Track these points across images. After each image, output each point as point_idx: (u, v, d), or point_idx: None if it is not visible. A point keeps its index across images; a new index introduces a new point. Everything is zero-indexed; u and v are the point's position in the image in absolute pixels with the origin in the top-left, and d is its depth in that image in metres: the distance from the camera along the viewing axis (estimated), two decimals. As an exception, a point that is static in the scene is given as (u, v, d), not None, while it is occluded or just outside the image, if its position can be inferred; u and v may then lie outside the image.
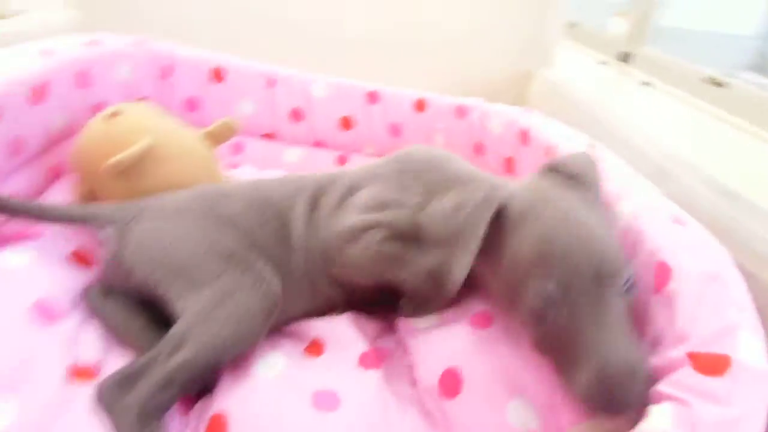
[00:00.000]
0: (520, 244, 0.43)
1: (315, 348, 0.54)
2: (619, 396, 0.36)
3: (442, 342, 0.52)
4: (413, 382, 0.51)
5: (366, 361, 0.51)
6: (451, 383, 0.48)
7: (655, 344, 0.41)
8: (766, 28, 2.08)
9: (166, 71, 0.85)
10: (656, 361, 0.39)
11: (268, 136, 0.96)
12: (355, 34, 1.01)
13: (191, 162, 0.66)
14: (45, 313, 0.47)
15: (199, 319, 0.48)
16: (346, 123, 0.94)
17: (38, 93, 0.61)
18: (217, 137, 0.70)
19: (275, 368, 0.50)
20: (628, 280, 0.41)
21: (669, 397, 0.36)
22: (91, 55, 0.71)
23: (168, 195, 0.58)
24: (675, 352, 0.37)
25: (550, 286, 0.40)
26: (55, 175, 0.69)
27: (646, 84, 0.99)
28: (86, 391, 0.43)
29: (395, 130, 0.94)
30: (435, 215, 0.50)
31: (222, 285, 0.50)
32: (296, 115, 0.94)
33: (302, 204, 0.58)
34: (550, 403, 0.43)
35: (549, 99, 0.90)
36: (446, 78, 0.98)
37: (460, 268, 0.44)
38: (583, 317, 0.39)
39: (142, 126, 0.63)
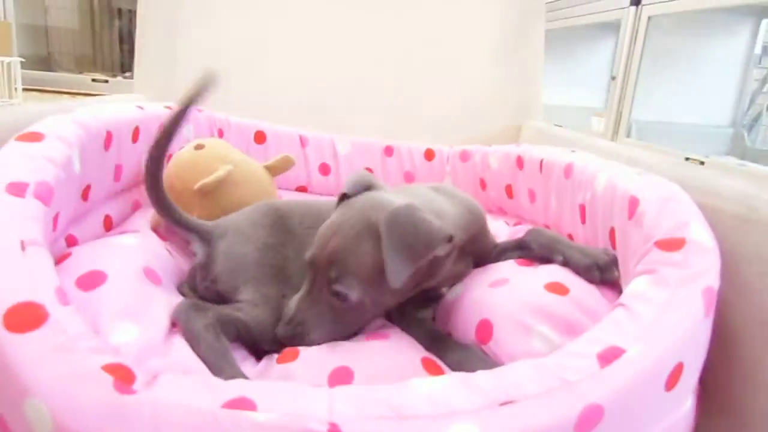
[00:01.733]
0: None
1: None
2: None
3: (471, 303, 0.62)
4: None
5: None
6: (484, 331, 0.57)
7: (633, 256, 0.53)
8: (737, 116, 2.32)
9: (220, 133, 1.03)
10: (632, 264, 0.51)
11: (301, 188, 1.12)
12: (375, 105, 1.23)
13: (258, 187, 0.82)
14: (152, 276, 0.59)
15: (252, 305, 0.60)
16: (368, 173, 1.11)
17: (135, 133, 0.78)
18: (276, 168, 0.87)
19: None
20: None
21: (642, 272, 0.47)
22: (166, 114, 0.89)
23: (239, 214, 0.71)
24: (645, 247, 0.50)
25: None
26: (135, 207, 0.84)
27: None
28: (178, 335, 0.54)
29: (409, 177, 1.11)
30: None
31: (272, 293, 0.62)
32: (324, 168, 1.11)
33: None
34: (566, 322, 0.53)
35: (536, 141, 1.07)
36: (452, 136, 1.18)
37: None
38: None
39: (221, 156, 0.80)
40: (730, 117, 2.37)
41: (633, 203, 0.56)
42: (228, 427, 0.36)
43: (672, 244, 0.48)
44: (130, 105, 0.81)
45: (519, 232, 0.84)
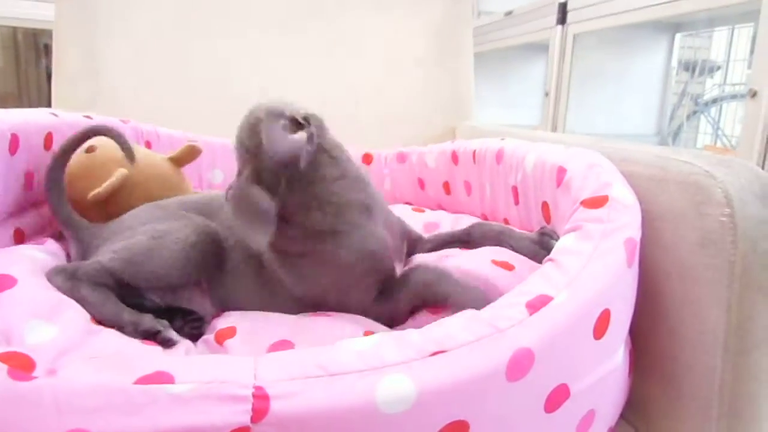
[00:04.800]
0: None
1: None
2: None
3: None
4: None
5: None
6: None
7: (563, 221, 0.54)
8: (661, 126, 2.47)
9: (148, 145, 0.99)
10: (562, 227, 0.52)
11: (238, 199, 1.09)
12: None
13: (162, 182, 0.77)
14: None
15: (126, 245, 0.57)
16: (306, 180, 1.09)
17: (48, 139, 0.74)
18: (181, 159, 0.82)
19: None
20: None
21: (569, 230, 0.48)
22: (86, 123, 0.85)
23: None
24: (572, 207, 0.51)
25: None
26: (52, 221, 0.78)
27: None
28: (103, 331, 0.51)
29: (349, 181, 1.10)
30: None
31: (154, 228, 0.58)
32: (262, 177, 1.09)
33: None
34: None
35: (470, 138, 1.09)
36: (390, 140, 1.19)
37: None
38: None
39: (116, 157, 0.72)
40: (656, 126, 2.52)
41: (561, 172, 0.57)
42: (142, 403, 0.33)
43: (596, 202, 0.49)
44: (42, 111, 0.77)
45: (459, 219, 0.85)
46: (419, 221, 0.86)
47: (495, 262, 0.57)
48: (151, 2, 1.19)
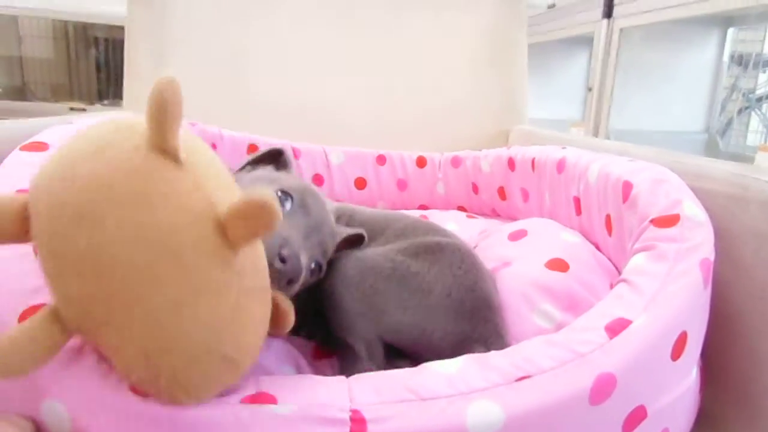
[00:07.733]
0: None
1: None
2: None
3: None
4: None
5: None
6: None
7: (629, 238, 0.54)
8: (710, 122, 2.38)
9: (213, 146, 1.03)
10: (630, 244, 0.52)
11: (295, 201, 1.12)
12: (366, 116, 1.25)
13: None
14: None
15: None
16: (360, 183, 1.12)
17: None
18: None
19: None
20: None
21: (640, 249, 0.49)
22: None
23: None
24: (641, 226, 0.51)
25: None
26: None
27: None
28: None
29: (402, 185, 1.12)
30: None
31: None
32: (318, 179, 1.12)
33: None
34: (568, 298, 0.55)
35: (526, 144, 1.09)
36: (443, 143, 1.19)
37: None
38: None
39: None
40: (704, 123, 2.43)
41: (627, 187, 0.57)
42: (249, 423, 0.36)
43: (667, 221, 0.49)
44: (130, 116, 0.81)
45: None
46: (475, 229, 0.87)
47: (548, 265, 0.58)
48: (218, 4, 1.22)
